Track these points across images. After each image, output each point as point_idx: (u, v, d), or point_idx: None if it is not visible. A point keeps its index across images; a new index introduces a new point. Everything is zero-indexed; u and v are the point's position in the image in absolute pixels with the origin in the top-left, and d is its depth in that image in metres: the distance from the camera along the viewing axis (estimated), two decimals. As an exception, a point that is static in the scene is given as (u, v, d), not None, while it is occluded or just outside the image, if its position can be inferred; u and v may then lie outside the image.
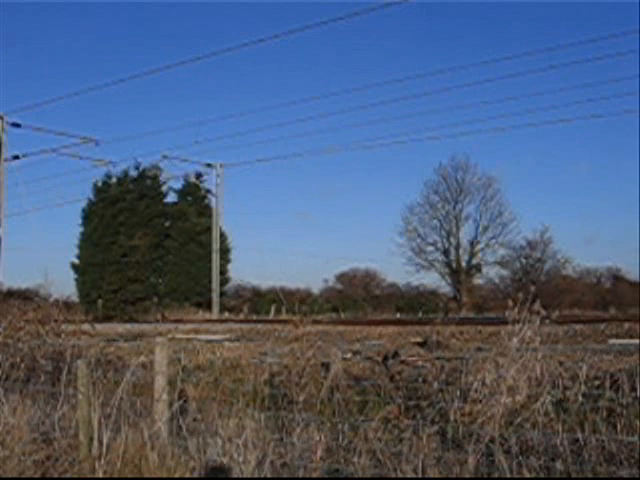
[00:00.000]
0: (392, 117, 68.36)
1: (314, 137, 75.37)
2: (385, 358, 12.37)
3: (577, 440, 6.25)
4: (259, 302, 54.68)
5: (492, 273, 59.77)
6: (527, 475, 5.69)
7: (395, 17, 79.99)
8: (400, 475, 6.04)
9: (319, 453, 6.60)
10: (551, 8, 66.91)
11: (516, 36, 71.31)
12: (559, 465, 5.82)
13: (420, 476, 5.93)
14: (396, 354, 12.80)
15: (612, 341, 15.17)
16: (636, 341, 12.37)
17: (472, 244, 58.76)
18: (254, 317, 44.45)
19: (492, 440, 6.27)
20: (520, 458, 5.89)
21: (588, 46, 51.84)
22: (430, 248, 59.57)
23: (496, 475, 5.82)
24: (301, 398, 8.88)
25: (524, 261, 59.05)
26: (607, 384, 8.01)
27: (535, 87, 71.17)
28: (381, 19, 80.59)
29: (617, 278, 56.37)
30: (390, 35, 75.05)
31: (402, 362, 12.16)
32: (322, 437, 6.84)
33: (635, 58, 55.79)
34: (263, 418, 7.33)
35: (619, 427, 6.73)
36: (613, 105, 64.88)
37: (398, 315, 47.68)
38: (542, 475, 5.74)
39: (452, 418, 7.28)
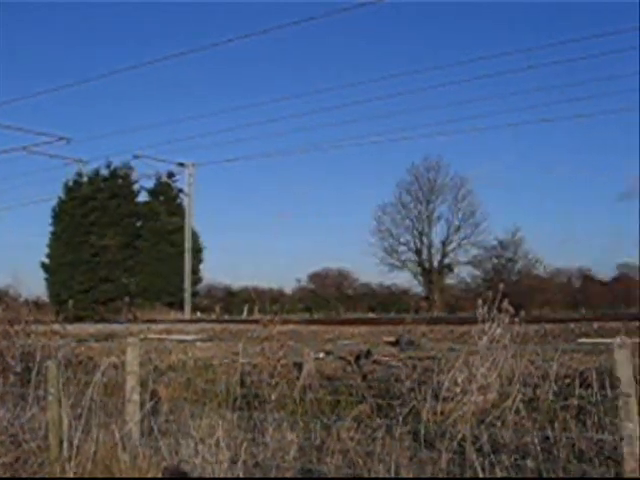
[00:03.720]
0: (366, 117, 68.35)
1: (287, 137, 75.19)
2: (357, 358, 12.37)
3: (548, 438, 6.30)
4: (231, 302, 54.54)
5: (464, 273, 60.20)
6: (499, 473, 5.73)
7: (370, 17, 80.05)
8: (373, 475, 6.05)
9: (292, 453, 6.59)
10: (529, 8, 67.31)
11: (492, 36, 71.63)
12: (530, 463, 5.87)
13: (393, 475, 5.94)
14: (368, 354, 12.80)
15: (582, 340, 15.32)
16: (605, 340, 12.50)
17: (444, 244, 59.06)
18: (226, 317, 44.28)
19: (464, 439, 6.30)
20: (492, 456, 5.92)
21: (568, 46, 52.39)
22: (402, 248, 59.80)
23: (468, 473, 5.85)
24: (273, 398, 8.86)
25: (495, 261, 59.46)
26: (577, 382, 8.09)
27: (510, 87, 71.57)
28: (356, 18, 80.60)
29: (587, 278, 57.02)
30: (365, 35, 75.13)
31: (374, 362, 12.17)
32: (295, 437, 6.83)
33: (615, 58, 56.49)
34: (235, 418, 7.30)
35: (589, 424, 6.80)
36: (588, 106, 65.47)
37: (370, 315, 47.78)
38: (513, 473, 5.78)
39: (424, 417, 7.31)
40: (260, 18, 64.32)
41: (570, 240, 76.26)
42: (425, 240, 59.44)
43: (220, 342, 17.03)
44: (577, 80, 56.14)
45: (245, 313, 45.03)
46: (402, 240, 59.68)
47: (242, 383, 9.56)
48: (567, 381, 8.55)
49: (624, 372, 5.34)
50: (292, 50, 75.30)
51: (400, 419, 6.89)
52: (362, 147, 78.81)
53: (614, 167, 75.20)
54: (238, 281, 60.11)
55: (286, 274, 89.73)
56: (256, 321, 14.29)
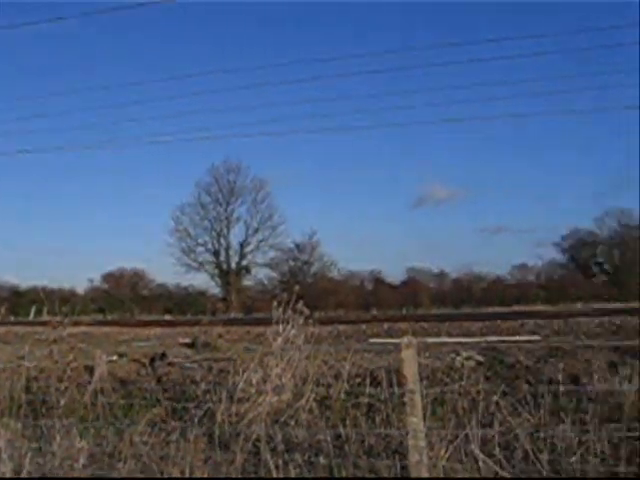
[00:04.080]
0: (167, 115, 67.15)
1: (82, 131, 72.21)
2: (152, 360, 12.17)
3: (339, 435, 6.49)
4: (18, 303, 51.63)
5: (261, 274, 60.90)
6: (292, 471, 5.82)
7: (165, 15, 78.72)
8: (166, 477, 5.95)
9: (81, 460, 6.33)
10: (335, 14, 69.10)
11: (300, 42, 72.55)
12: (322, 460, 6.02)
13: (187, 476, 5.87)
14: (163, 355, 12.64)
15: (372, 340, 15.99)
16: (394, 340, 13.12)
17: (242, 246, 59.35)
18: (12, 319, 41.85)
19: (259, 439, 6.35)
20: (286, 455, 6.02)
21: (375, 58, 54.23)
22: (200, 249, 59.40)
23: (262, 472, 5.90)
24: (62, 403, 8.47)
25: (292, 263, 60.70)
26: (368, 381, 8.43)
27: (315, 93, 73.20)
28: (148, 16, 79.11)
29: (378, 281, 59.64)
30: (164, 32, 73.72)
31: (169, 364, 12.02)
32: (85, 444, 6.57)
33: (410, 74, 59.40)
34: (20, 427, 6.91)
35: (378, 421, 7.08)
36: (393, 115, 68.25)
37: (167, 316, 47.09)
38: (306, 470, 5.90)
39: (220, 419, 7.29)
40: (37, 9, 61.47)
41: (363, 244, 79.36)
42: (223, 241, 59.49)
43: (4, 345, 16.07)
44: (394, 90, 58.61)
45: (33, 314, 42.83)
46: (200, 241, 59.34)
47: (28, 389, 9.05)
48: (358, 380, 8.87)
49: (410, 370, 5.60)
50: (81, 44, 72.19)
51: (195, 421, 6.83)
52: (160, 145, 77.38)
53: (411, 174, 78.98)
54: (26, 281, 57.07)
55: (78, 274, 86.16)
56: (45, 323, 13.65)
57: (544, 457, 5.55)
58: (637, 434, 6.05)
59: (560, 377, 8.21)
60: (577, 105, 59.21)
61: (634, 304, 32.00)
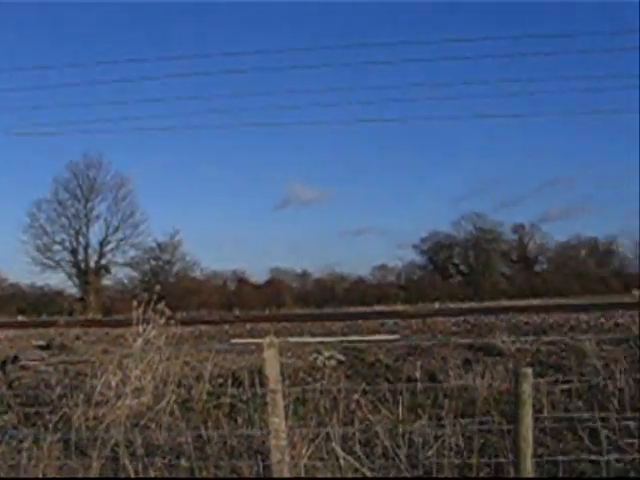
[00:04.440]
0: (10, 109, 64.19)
1: None
2: (3, 363, 11.71)
3: (201, 437, 6.43)
4: None
5: (121, 274, 59.47)
6: (152, 474, 5.71)
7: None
8: (17, 488, 5.69)
9: None
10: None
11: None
12: (184, 462, 5.94)
13: (39, 484, 5.64)
14: (15, 358, 12.19)
15: (235, 340, 15.95)
16: (257, 340, 13.14)
17: (102, 244, 57.68)
18: None
19: (117, 443, 6.18)
20: (145, 459, 5.89)
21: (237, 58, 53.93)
22: (57, 247, 57.24)
23: (122, 477, 5.75)
24: None
25: (154, 263, 59.65)
26: (230, 382, 8.40)
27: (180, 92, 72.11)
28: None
29: (241, 281, 59.63)
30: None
31: (22, 367, 11.60)
32: None
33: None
34: None
35: (240, 422, 7.07)
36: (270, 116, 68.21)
37: (20, 317, 45.19)
38: (167, 473, 5.80)
39: (76, 424, 7.04)
40: None
41: (227, 244, 79.10)
42: (82, 239, 57.59)
43: None
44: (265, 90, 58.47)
45: None
46: (57, 239, 57.15)
47: None
48: (220, 381, 8.83)
49: (272, 370, 5.61)
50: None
51: (50, 427, 6.57)
52: (14, 139, 74.13)
53: (277, 175, 79.32)
54: None
55: None
56: None
57: (402, 452, 5.70)
58: (488, 427, 6.33)
59: (418, 375, 8.49)
60: (439, 112, 61.72)
61: (487, 303, 33.59)
